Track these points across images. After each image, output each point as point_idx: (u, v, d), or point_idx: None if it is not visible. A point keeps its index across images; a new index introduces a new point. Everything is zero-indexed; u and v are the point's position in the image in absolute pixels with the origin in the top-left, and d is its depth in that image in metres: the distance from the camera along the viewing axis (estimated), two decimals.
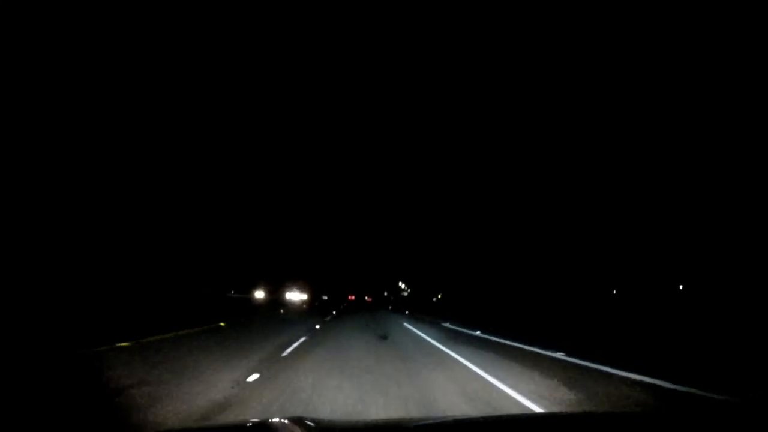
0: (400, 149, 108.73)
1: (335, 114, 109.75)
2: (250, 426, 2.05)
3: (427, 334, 16.00)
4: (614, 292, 49.36)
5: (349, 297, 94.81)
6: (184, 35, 69.11)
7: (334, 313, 31.41)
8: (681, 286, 47.69)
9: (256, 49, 77.05)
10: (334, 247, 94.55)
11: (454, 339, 14.57)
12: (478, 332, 17.14)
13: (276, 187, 77.13)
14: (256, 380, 6.80)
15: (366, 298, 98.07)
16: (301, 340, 12.42)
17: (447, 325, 22.13)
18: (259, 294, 58.21)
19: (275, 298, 60.20)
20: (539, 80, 62.30)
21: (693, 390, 6.18)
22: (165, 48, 63.57)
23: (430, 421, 2.72)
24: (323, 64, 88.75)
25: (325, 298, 77.19)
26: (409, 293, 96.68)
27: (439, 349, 11.89)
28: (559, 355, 10.75)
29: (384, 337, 14.36)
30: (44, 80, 36.95)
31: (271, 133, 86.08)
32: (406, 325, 21.37)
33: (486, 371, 8.32)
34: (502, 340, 14.21)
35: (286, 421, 1.99)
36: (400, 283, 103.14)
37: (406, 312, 39.95)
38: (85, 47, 44.48)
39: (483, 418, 3.17)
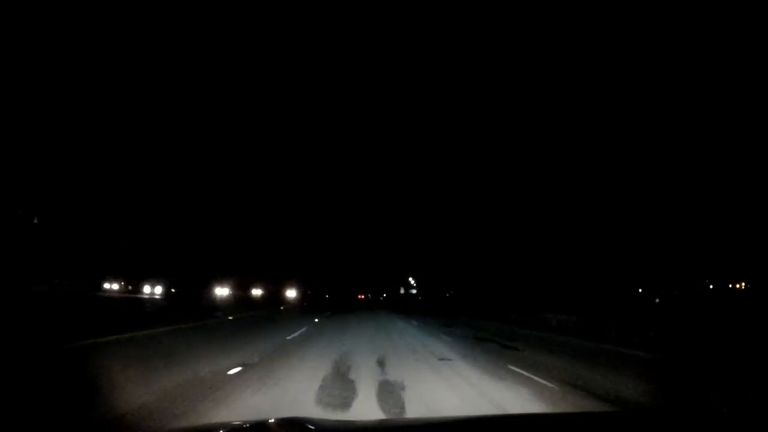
0: (411, 143, 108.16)
1: (344, 107, 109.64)
2: (248, 427, 2.12)
3: None
4: (639, 290, 49.20)
5: (359, 296, 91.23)
6: (185, 36, 70.21)
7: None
8: (711, 285, 47.47)
9: (256, 50, 77.97)
10: (339, 245, 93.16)
11: None
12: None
13: (274, 184, 76.27)
14: None
15: (376, 296, 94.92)
16: None
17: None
18: (156, 289, 46.23)
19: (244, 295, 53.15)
20: (549, 73, 62.20)
21: None
22: (165, 49, 64.64)
23: (429, 422, 2.88)
24: (324, 62, 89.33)
25: (293, 294, 64.66)
26: (418, 291, 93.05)
27: None
28: None
29: None
30: (44, 80, 37.86)
31: (270, 124, 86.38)
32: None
33: None
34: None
35: (284, 422, 2.07)
36: (410, 279, 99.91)
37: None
38: (86, 47, 45.44)
39: (483, 418, 3.31)
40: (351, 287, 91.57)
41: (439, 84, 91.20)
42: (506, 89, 71.55)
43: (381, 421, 3.46)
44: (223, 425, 2.45)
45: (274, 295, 62.02)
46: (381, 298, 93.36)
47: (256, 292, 64.48)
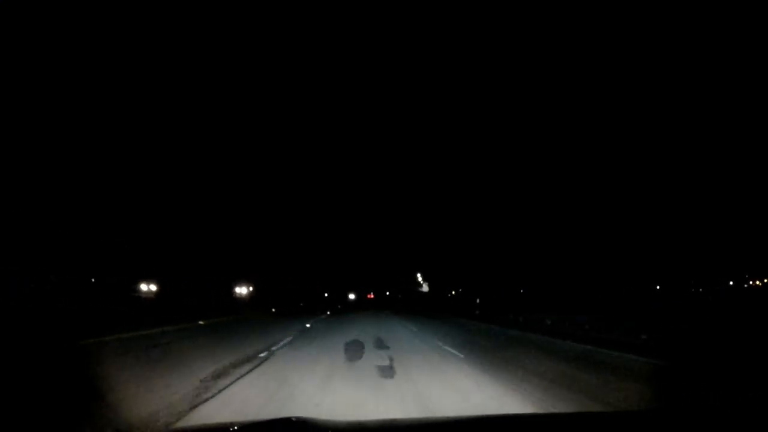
0: (422, 143, 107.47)
1: (348, 104, 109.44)
2: (249, 426, 2.18)
3: None
4: (657, 287, 49.13)
5: (368, 295, 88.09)
6: (185, 36, 70.77)
7: None
8: (731, 282, 47.32)
9: (256, 50, 78.27)
10: (343, 243, 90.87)
11: None
12: None
13: (275, 183, 74.91)
14: None
15: (382, 296, 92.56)
16: None
17: None
18: None
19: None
20: (556, 68, 62.12)
21: None
22: (165, 48, 65.18)
23: (429, 422, 2.95)
24: (326, 59, 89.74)
25: (244, 292, 50.48)
26: (430, 290, 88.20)
27: None
28: None
29: None
30: (44, 80, 38.36)
31: (272, 122, 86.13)
32: None
33: None
34: None
35: (284, 422, 2.12)
36: (418, 277, 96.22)
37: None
38: (86, 47, 45.99)
39: (483, 418, 3.40)
40: (356, 287, 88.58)
41: (444, 82, 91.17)
42: (514, 86, 71.39)
43: (381, 422, 3.55)
44: (223, 425, 2.54)
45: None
46: (386, 294, 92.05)
47: (148, 287, 45.51)
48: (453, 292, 75.26)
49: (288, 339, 14.77)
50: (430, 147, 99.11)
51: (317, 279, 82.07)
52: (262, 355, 10.88)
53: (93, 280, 42.83)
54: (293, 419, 2.11)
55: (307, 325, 21.04)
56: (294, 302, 52.63)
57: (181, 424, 5.14)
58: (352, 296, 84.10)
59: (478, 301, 39.63)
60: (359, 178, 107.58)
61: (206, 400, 6.28)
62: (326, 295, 79.38)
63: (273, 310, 37.55)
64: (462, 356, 11.19)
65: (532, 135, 55.42)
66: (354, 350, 12.08)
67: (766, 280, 46.34)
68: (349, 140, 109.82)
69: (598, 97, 49.75)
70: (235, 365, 9.24)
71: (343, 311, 39.98)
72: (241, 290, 49.90)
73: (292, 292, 65.01)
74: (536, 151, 53.18)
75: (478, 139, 70.31)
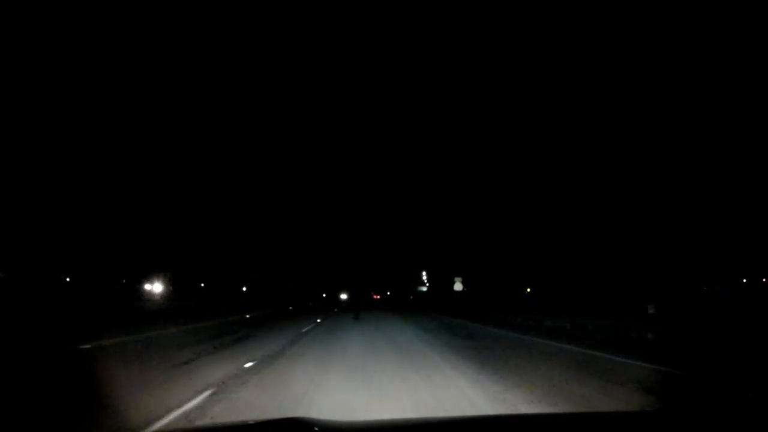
0: (426, 142, 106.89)
1: (346, 103, 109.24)
2: (249, 426, 2.22)
3: None
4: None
5: (374, 296, 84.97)
6: (185, 36, 71.12)
7: None
8: (744, 280, 47.08)
9: (257, 49, 78.80)
10: (342, 240, 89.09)
11: None
12: None
13: (272, 181, 74.03)
14: None
15: (383, 294, 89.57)
16: None
17: None
18: None
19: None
20: (566, 63, 61.87)
21: None
22: (165, 48, 65.49)
23: (430, 422, 3.00)
24: (328, 56, 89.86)
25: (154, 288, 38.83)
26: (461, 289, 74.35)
27: None
28: None
29: None
30: (44, 80, 38.70)
31: (271, 121, 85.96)
32: None
33: None
34: None
35: (285, 422, 2.14)
36: (423, 274, 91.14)
37: None
38: (86, 47, 46.30)
39: (483, 418, 3.46)
40: (354, 286, 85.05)
41: (445, 82, 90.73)
42: (518, 87, 71.12)
43: (382, 422, 3.61)
44: (223, 425, 2.57)
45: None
46: (388, 294, 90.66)
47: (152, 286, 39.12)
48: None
49: None
50: (438, 146, 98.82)
51: (316, 278, 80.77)
52: None
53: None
54: (295, 419, 2.15)
55: None
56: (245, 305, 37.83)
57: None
58: (344, 296, 66.90)
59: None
60: (362, 177, 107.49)
61: None
62: (324, 295, 77.56)
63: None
64: None
65: (537, 137, 55.39)
66: None
67: None
68: (350, 137, 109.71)
69: (601, 104, 49.82)
70: None
71: (331, 318, 25.70)
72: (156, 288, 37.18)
73: (291, 291, 64.31)
74: (542, 152, 53.14)
75: (486, 139, 70.04)
